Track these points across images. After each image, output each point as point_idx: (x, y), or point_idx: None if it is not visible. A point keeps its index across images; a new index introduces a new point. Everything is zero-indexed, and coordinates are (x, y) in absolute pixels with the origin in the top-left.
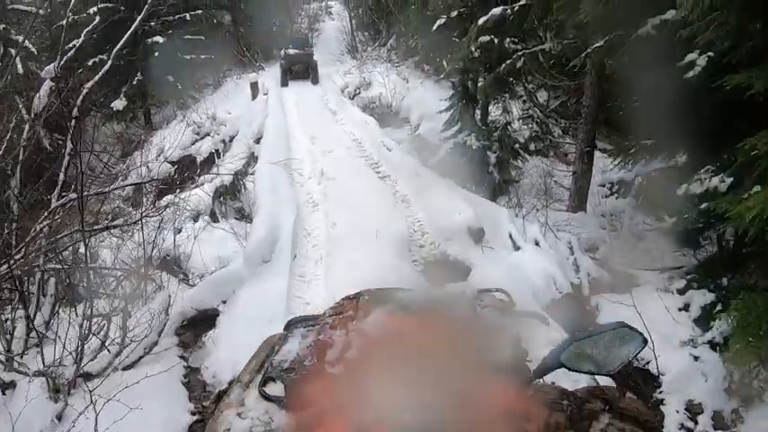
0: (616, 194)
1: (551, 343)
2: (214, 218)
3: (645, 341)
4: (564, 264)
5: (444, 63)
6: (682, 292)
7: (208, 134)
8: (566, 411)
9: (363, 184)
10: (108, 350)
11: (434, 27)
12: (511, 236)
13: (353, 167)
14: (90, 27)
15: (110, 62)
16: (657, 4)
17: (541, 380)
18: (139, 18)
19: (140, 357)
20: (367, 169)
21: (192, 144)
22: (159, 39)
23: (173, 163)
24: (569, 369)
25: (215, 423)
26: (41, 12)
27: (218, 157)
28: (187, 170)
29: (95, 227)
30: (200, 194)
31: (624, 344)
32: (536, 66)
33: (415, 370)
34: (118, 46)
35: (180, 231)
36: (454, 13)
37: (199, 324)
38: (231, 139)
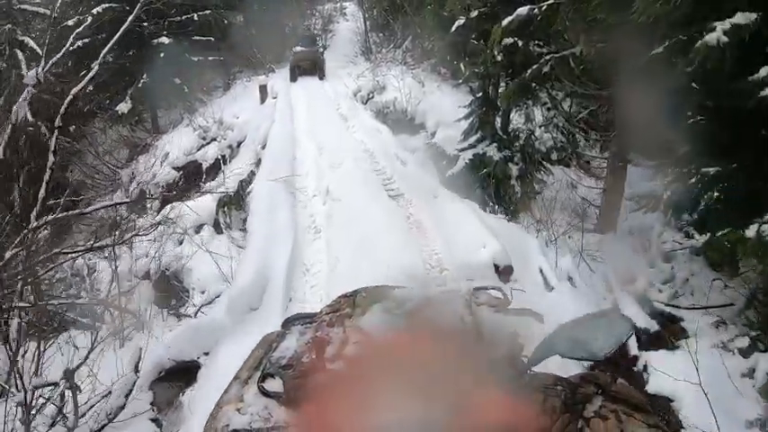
0: (644, 209)
1: None
2: (218, 228)
3: (633, 327)
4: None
5: (462, 66)
6: (744, 353)
7: (214, 139)
8: (560, 396)
9: (373, 205)
10: (65, 416)
11: (453, 28)
12: (542, 271)
13: (363, 184)
14: (81, 28)
15: (96, 67)
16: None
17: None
18: (131, 18)
19: (103, 426)
20: (378, 187)
21: (198, 149)
22: (165, 40)
23: (177, 169)
24: (562, 356)
25: (214, 419)
26: (48, 12)
27: (225, 164)
28: (192, 177)
29: (78, 247)
30: (200, 206)
31: (613, 330)
32: (565, 72)
33: (414, 376)
34: (106, 48)
35: (182, 243)
36: (474, 14)
37: (178, 375)
38: (239, 144)
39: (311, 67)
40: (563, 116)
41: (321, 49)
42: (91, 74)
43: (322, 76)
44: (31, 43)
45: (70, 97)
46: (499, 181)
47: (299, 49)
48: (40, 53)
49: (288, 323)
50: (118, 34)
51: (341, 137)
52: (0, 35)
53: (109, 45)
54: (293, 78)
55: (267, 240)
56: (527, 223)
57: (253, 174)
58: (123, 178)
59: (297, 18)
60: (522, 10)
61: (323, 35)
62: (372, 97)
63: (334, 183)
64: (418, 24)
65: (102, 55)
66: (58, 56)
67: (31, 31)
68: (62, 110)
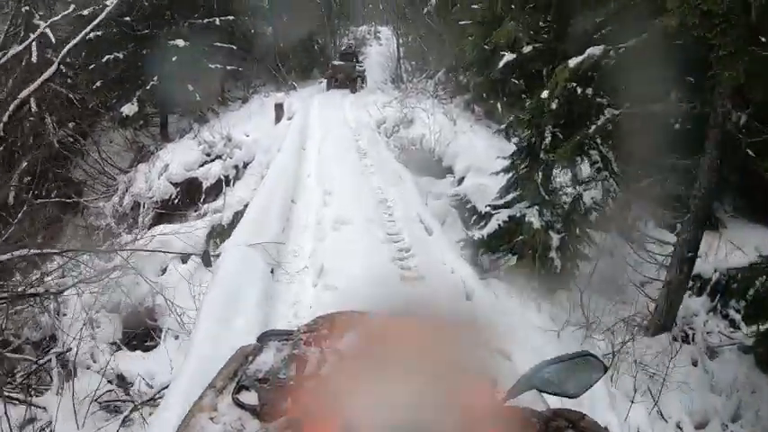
0: (689, 292)
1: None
2: (207, 261)
3: (605, 369)
4: None
5: (499, 107)
6: None
7: (219, 156)
8: (535, 427)
9: (382, 296)
10: None
11: (500, 65)
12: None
13: (371, 257)
14: (59, 17)
15: (56, 65)
16: None
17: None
18: (105, 13)
19: None
20: (392, 266)
21: (201, 166)
22: (180, 42)
23: (175, 184)
24: (540, 391)
25: (187, 426)
26: None
27: (227, 185)
28: (190, 195)
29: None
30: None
31: (588, 371)
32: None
33: (397, 382)
34: (70, 45)
35: (164, 273)
36: (526, 50)
37: None
38: (245, 165)
39: (345, 80)
40: (616, 181)
41: (360, 67)
42: (48, 73)
43: (354, 90)
44: (47, 30)
45: (18, 101)
46: (536, 252)
47: (337, 62)
48: (53, 40)
49: (264, 338)
50: (97, 20)
51: (355, 180)
52: (17, 17)
53: (80, 36)
54: (328, 88)
55: (205, 375)
56: (569, 313)
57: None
58: (120, 185)
59: (327, 36)
60: (595, 50)
61: (358, 50)
62: (398, 131)
63: (333, 251)
64: (455, 56)
65: (65, 51)
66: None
67: (51, 15)
68: (6, 116)
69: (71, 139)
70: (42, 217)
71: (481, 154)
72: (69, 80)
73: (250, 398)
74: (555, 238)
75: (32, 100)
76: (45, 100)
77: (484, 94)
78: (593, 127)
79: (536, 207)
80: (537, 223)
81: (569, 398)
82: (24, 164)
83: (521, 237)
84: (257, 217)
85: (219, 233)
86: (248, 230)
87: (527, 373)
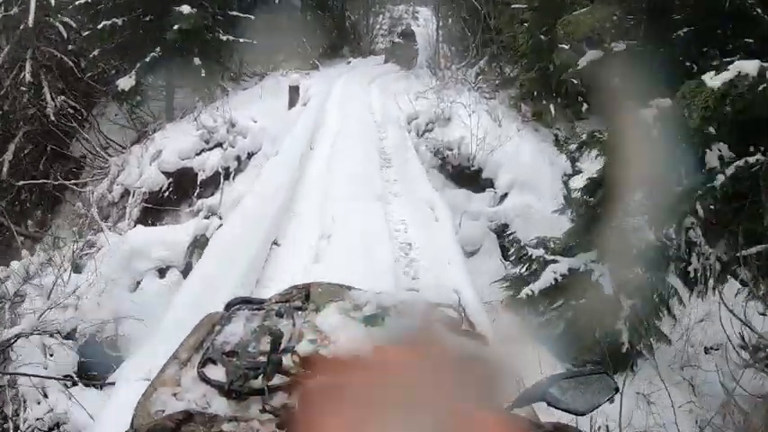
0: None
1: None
2: (188, 274)
3: (617, 389)
4: None
5: (552, 108)
6: None
7: (220, 144)
8: None
9: None
10: None
11: (583, 63)
12: None
13: None
14: None
15: None
16: None
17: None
18: None
19: None
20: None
21: (198, 154)
22: (186, 8)
23: (167, 174)
24: (549, 404)
25: (147, 401)
26: None
27: (227, 179)
28: (183, 187)
29: None
30: (171, 239)
31: (599, 390)
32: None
33: (387, 394)
34: None
35: (139, 285)
36: (620, 47)
37: None
38: (249, 156)
39: (402, 57)
40: (701, 231)
41: (416, 47)
42: None
43: (410, 67)
44: None
45: None
46: (600, 324)
47: (397, 40)
48: (52, 3)
49: (231, 306)
50: None
51: (370, 209)
52: None
53: None
54: (386, 62)
55: None
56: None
57: None
58: (112, 168)
59: (361, 12)
60: (747, 66)
61: (388, 36)
62: (432, 129)
63: None
64: (500, 44)
65: None
66: None
67: None
68: None
69: (71, 111)
70: (39, 194)
71: (527, 165)
72: (71, 46)
73: (217, 373)
74: (625, 306)
75: (28, 67)
76: (43, 67)
77: (534, 92)
78: (721, 180)
79: (607, 265)
80: (608, 287)
81: (577, 415)
82: (18, 137)
83: (582, 300)
84: (206, 284)
85: (203, 245)
86: (185, 308)
87: (537, 383)
